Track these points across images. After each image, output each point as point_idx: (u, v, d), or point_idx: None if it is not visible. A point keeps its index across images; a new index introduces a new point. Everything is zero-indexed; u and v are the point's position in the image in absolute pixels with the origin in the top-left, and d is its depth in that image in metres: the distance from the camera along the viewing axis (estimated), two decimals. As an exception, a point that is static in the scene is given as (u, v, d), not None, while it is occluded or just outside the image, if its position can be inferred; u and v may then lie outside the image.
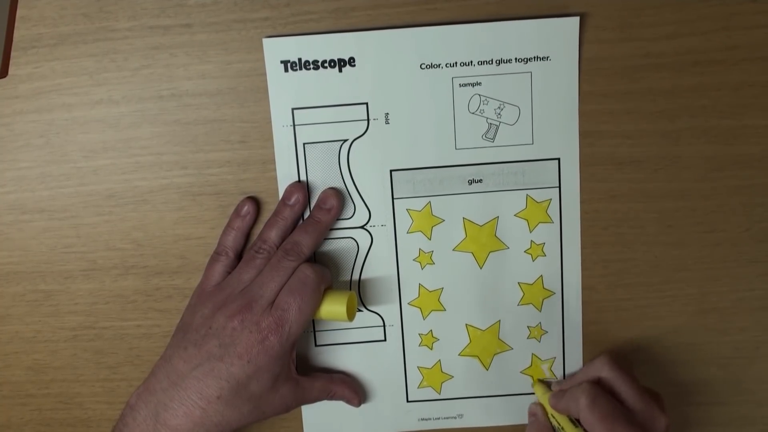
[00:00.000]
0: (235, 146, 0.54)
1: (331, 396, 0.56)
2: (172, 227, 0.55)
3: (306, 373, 0.55)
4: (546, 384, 0.57)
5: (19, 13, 0.51)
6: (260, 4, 0.52)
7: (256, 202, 0.54)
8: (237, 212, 0.54)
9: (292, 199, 0.53)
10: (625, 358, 0.57)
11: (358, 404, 0.57)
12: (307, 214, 0.54)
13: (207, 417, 0.49)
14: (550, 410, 0.55)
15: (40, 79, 0.53)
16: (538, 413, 0.56)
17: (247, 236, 0.55)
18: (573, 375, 0.57)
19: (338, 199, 0.54)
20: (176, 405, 0.49)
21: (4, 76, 0.52)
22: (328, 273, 0.54)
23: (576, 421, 0.52)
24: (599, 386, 0.52)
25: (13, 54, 0.52)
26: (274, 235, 0.53)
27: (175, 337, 0.52)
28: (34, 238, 0.55)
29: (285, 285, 0.51)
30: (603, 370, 0.53)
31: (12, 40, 0.52)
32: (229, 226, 0.54)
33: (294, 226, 0.54)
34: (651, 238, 0.55)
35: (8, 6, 0.51)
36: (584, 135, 0.54)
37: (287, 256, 0.51)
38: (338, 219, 0.55)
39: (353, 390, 0.57)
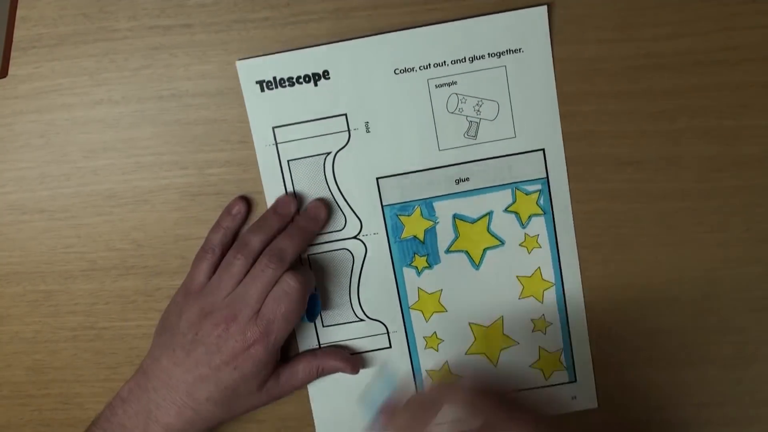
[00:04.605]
0: (235, 146, 0.54)
1: (320, 372, 0.55)
2: (172, 227, 0.55)
3: (288, 360, 0.55)
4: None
5: (19, 13, 0.51)
6: (260, 4, 0.52)
7: (247, 202, 0.54)
8: (228, 211, 0.54)
9: (284, 211, 0.53)
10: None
11: (355, 371, 0.55)
12: None
13: (198, 415, 0.51)
14: None
15: (40, 79, 0.53)
16: None
17: (236, 235, 0.54)
18: None
19: (327, 211, 0.54)
20: (168, 404, 0.51)
21: (4, 76, 0.52)
22: (312, 277, 0.54)
23: None
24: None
25: (13, 54, 0.52)
26: (257, 241, 0.52)
27: (162, 337, 0.52)
28: (34, 238, 0.55)
29: (270, 293, 0.50)
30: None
31: (12, 40, 0.52)
32: (218, 224, 0.54)
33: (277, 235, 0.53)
34: (651, 238, 0.55)
35: (8, 6, 0.51)
36: (584, 135, 0.54)
37: (270, 263, 0.51)
38: (329, 231, 0.55)
39: (342, 359, 0.55)
